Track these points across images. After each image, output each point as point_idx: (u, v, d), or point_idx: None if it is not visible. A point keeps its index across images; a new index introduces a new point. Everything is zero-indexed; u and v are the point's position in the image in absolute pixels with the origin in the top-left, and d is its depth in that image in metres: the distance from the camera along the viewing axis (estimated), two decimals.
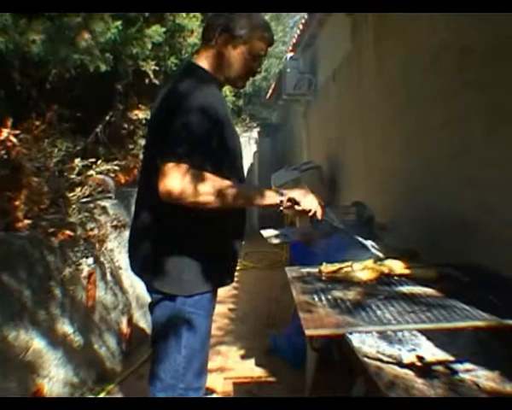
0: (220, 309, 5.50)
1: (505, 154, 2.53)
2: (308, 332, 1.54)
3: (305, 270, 2.38)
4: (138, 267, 2.18)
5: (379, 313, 1.72)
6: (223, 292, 6.03)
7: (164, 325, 2.07)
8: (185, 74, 2.11)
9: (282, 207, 2.06)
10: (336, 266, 2.29)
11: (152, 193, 1.92)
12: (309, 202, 2.09)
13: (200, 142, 1.88)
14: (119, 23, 3.78)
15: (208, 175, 1.88)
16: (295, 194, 2.07)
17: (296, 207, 2.07)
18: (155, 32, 4.56)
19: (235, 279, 6.73)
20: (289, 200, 2.05)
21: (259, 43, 2.13)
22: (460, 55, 2.99)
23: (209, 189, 1.87)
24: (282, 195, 2.04)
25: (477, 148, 2.81)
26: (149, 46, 4.58)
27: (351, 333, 1.57)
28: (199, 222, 2.00)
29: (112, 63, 3.96)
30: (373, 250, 2.40)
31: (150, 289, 2.14)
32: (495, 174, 2.62)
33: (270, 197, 2.03)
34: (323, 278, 2.20)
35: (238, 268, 7.52)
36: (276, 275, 6.42)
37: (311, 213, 2.12)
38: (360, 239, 2.43)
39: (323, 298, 1.90)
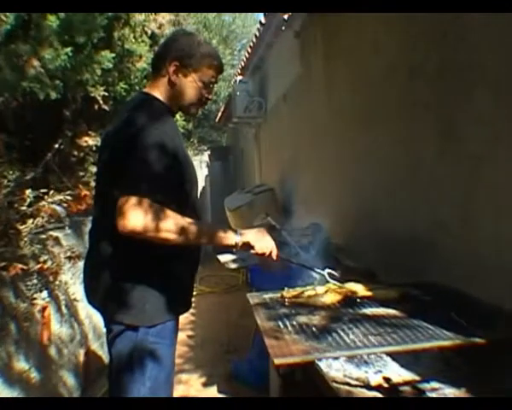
0: (179, 336, 5.36)
1: (456, 171, 2.60)
2: (277, 361, 1.53)
3: (267, 295, 2.38)
4: (98, 300, 2.12)
5: (345, 336, 1.73)
6: (181, 319, 5.98)
7: (127, 356, 2.01)
8: (141, 105, 2.09)
9: (239, 247, 2.06)
10: (298, 290, 2.30)
11: (109, 224, 1.90)
12: (264, 244, 2.11)
13: (160, 177, 1.88)
14: (68, 49, 3.72)
15: (170, 212, 1.86)
16: (250, 237, 2.07)
17: (252, 250, 2.09)
18: (104, 57, 4.51)
19: (192, 305, 6.68)
20: (244, 244, 2.06)
21: (209, 70, 2.17)
22: (409, 77, 3.07)
23: (171, 226, 1.86)
24: (239, 235, 2.05)
25: (429, 166, 2.88)
26: (99, 72, 4.52)
27: (319, 360, 1.55)
28: (158, 252, 1.97)
29: (62, 90, 3.89)
30: (330, 279, 2.42)
31: (110, 321, 2.08)
32: (447, 192, 2.69)
33: (228, 238, 2.03)
34: (286, 303, 2.20)
35: (195, 294, 7.50)
36: (234, 299, 6.40)
37: (265, 256, 2.13)
38: (316, 270, 2.44)
39: (288, 324, 1.90)
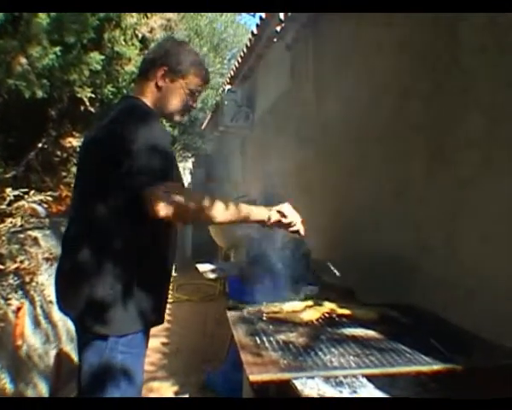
0: (153, 343, 5.36)
1: (443, 194, 2.61)
2: (252, 378, 1.51)
3: (246, 310, 2.35)
4: (68, 306, 2.09)
5: (322, 356, 1.72)
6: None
7: (96, 365, 1.98)
8: (132, 109, 2.09)
9: (271, 221, 2.09)
10: (277, 306, 2.29)
11: (85, 228, 1.98)
12: (295, 216, 2.16)
13: (168, 171, 1.93)
14: (57, 49, 3.69)
15: (191, 190, 1.93)
16: (284, 208, 2.13)
17: (283, 219, 2.11)
18: (93, 58, 4.48)
19: (168, 312, 6.58)
20: (278, 212, 2.10)
21: (196, 79, 2.21)
22: (401, 97, 3.08)
23: (201, 198, 1.93)
24: (270, 210, 2.10)
25: (416, 188, 2.89)
26: (87, 73, 4.49)
27: (296, 378, 1.54)
28: (130, 260, 1.98)
29: (48, 89, 3.85)
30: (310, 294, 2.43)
31: (80, 328, 2.06)
32: (433, 214, 2.70)
33: (260, 212, 2.09)
34: (265, 318, 2.19)
35: (171, 301, 7.46)
36: (211, 308, 6.37)
37: (295, 228, 2.17)
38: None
39: (266, 340, 1.89)
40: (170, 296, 7.68)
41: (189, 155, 13.65)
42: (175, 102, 2.19)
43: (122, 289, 1.97)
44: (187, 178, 12.10)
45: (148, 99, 2.16)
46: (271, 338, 1.90)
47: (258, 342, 1.86)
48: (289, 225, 2.15)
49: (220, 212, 1.96)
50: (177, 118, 2.28)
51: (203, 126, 13.13)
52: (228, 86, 8.70)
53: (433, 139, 2.74)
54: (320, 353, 1.75)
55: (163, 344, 5.41)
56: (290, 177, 5.84)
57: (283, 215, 2.10)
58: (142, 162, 1.88)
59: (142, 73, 2.22)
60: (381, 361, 1.68)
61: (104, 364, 1.96)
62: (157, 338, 5.54)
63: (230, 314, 2.27)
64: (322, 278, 3.40)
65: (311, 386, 1.83)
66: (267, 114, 7.14)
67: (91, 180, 2.04)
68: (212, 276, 4.28)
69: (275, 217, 2.09)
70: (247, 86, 8.56)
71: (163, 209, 1.82)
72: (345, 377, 1.67)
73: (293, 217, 2.14)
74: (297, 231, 2.20)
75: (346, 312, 2.25)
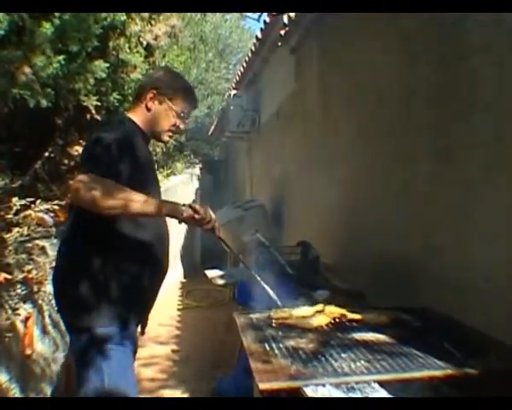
0: (163, 351, 5.35)
1: (451, 194, 2.57)
2: (262, 386, 1.48)
3: (255, 315, 2.33)
4: (58, 306, 2.24)
5: (333, 362, 1.69)
6: (165, 332, 5.93)
7: (83, 359, 2.07)
8: (111, 121, 2.44)
9: (183, 216, 2.10)
10: (286, 311, 2.25)
11: (69, 232, 2.20)
12: (208, 214, 2.17)
13: (104, 162, 2.02)
14: (61, 57, 3.69)
15: (112, 181, 1.97)
16: (196, 205, 2.16)
17: (196, 216, 2.12)
18: (98, 67, 4.47)
19: (178, 319, 6.57)
20: (190, 207, 2.12)
21: (183, 102, 2.37)
22: (406, 97, 3.05)
23: (117, 191, 1.96)
24: (183, 205, 2.14)
25: (424, 188, 2.85)
26: (92, 81, 4.49)
27: (306, 386, 1.50)
28: (116, 256, 2.12)
29: (53, 99, 3.85)
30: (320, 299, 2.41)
31: (66, 324, 2.22)
32: (441, 215, 2.66)
33: (174, 207, 2.11)
34: (274, 324, 2.16)
35: (181, 307, 7.44)
36: (220, 314, 6.32)
37: (209, 226, 2.19)
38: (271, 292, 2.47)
39: (275, 347, 1.86)
40: (179, 303, 7.71)
41: (197, 160, 13.63)
42: (163, 123, 2.34)
43: (106, 284, 2.09)
44: (194, 185, 12.04)
45: (139, 119, 2.33)
46: (281, 345, 1.88)
47: (268, 348, 1.83)
48: (202, 221, 2.15)
49: (135, 204, 1.99)
50: (165, 138, 2.42)
51: (210, 132, 13.12)
52: (233, 91, 8.70)
53: (439, 139, 2.71)
54: (330, 359, 1.72)
55: (173, 351, 5.37)
56: (296, 181, 5.82)
57: (196, 211, 2.11)
58: (85, 160, 2.09)
59: (135, 97, 2.40)
60: (393, 366, 1.65)
61: (90, 357, 2.05)
62: (167, 345, 5.54)
63: (239, 320, 2.24)
64: (331, 281, 3.37)
65: (322, 393, 1.80)
66: (273, 117, 7.11)
67: None
68: (220, 282, 4.26)
69: (187, 212, 2.10)
70: (253, 91, 8.54)
71: (76, 195, 1.94)
72: (356, 383, 1.64)
73: (206, 214, 2.15)
74: (212, 230, 2.22)
75: (356, 316, 2.22)
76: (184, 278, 10.16)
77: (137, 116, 2.33)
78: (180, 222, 2.13)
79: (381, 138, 3.43)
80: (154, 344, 5.52)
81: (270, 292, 2.51)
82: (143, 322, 2.34)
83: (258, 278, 2.61)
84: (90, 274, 2.07)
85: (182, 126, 2.41)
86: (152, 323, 2.43)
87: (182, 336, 5.99)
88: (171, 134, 2.43)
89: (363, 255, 3.68)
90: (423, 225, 2.86)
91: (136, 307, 2.22)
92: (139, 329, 2.33)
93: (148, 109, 2.31)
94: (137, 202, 1.99)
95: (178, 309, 7.45)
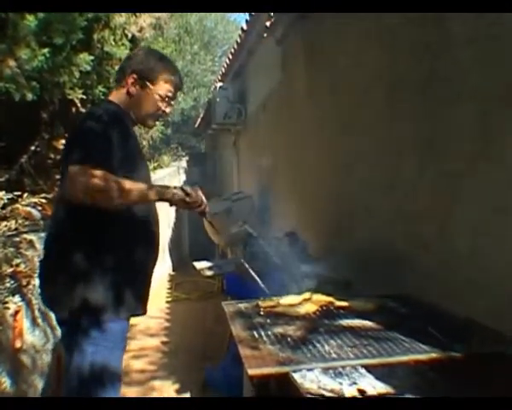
0: (152, 343, 5.37)
1: (435, 186, 2.60)
2: (251, 372, 1.51)
3: (243, 304, 2.36)
4: (47, 298, 2.16)
5: (320, 348, 1.72)
6: (155, 325, 5.96)
7: (72, 350, 2.02)
8: (95, 106, 2.25)
9: (175, 199, 2.10)
10: (274, 300, 2.28)
11: (57, 222, 2.12)
12: (199, 197, 2.17)
13: (98, 150, 1.97)
14: (46, 50, 3.67)
15: (104, 172, 1.91)
16: (187, 187, 2.14)
17: (187, 198, 2.11)
18: (83, 59, 4.46)
19: (167, 311, 6.58)
20: (182, 189, 2.11)
21: (166, 85, 2.28)
22: (391, 88, 3.07)
23: (111, 182, 1.92)
24: (174, 188, 2.12)
25: (408, 180, 2.88)
26: (77, 74, 4.47)
27: (294, 371, 1.53)
28: (107, 247, 2.06)
29: (38, 92, 3.83)
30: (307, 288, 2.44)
31: (59, 319, 2.14)
32: (426, 206, 2.69)
33: (166, 191, 2.09)
34: (262, 312, 2.18)
35: (170, 300, 7.46)
36: (209, 306, 6.35)
37: (200, 209, 2.18)
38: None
39: (264, 334, 1.88)
40: (168, 295, 7.73)
41: (183, 153, 13.63)
42: (146, 108, 2.27)
43: (98, 276, 2.02)
44: (181, 178, 12.03)
45: (122, 104, 2.25)
46: (269, 332, 1.90)
47: (256, 336, 1.86)
48: (193, 204, 2.15)
49: (132, 194, 1.99)
50: (149, 122, 2.37)
51: (196, 125, 13.10)
52: (219, 83, 8.68)
53: (424, 131, 2.73)
54: (318, 345, 1.75)
55: (163, 343, 5.39)
56: (283, 172, 5.84)
57: (187, 194, 2.11)
58: (75, 151, 1.97)
59: (117, 81, 2.33)
60: (379, 351, 1.68)
61: (75, 347, 2.01)
62: (157, 337, 5.55)
63: (228, 309, 2.27)
64: (318, 271, 3.39)
65: (310, 378, 1.82)
66: (259, 109, 7.12)
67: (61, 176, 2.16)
68: (209, 273, 4.29)
69: (179, 195, 2.10)
70: (239, 83, 8.53)
71: (73, 189, 1.88)
72: (343, 367, 1.67)
73: (197, 197, 2.15)
74: (202, 213, 2.22)
75: (343, 304, 2.25)
76: (173, 270, 10.17)
77: (120, 101, 2.26)
78: (171, 205, 2.12)
79: (367, 128, 3.44)
80: (143, 336, 5.54)
81: (259, 281, 2.54)
82: (143, 306, 2.25)
83: (247, 267, 2.62)
84: (81, 265, 2.01)
85: (167, 110, 2.34)
86: (141, 317, 2.34)
87: (171, 329, 6.00)
88: (156, 118, 2.37)
89: (350, 245, 3.71)
90: (408, 215, 2.89)
91: (138, 301, 2.17)
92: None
93: (131, 95, 2.24)
94: (134, 190, 1.98)
95: (167, 302, 7.46)
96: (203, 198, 2.18)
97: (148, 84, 2.23)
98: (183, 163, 12.47)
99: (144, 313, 2.24)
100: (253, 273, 2.58)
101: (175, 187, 2.12)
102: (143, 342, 5.36)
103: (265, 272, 3.28)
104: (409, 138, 2.89)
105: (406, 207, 2.91)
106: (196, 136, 15.69)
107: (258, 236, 3.90)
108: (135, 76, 2.22)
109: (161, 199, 2.08)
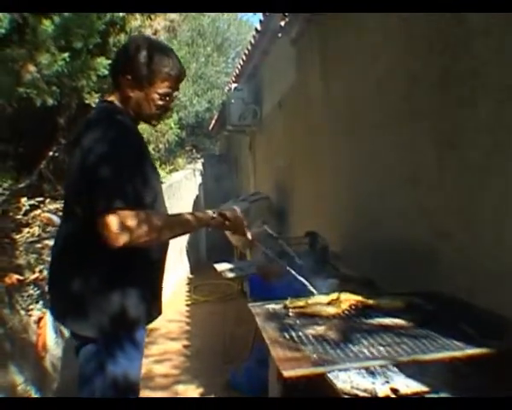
0: (174, 346, 5.38)
1: (457, 180, 2.58)
2: (286, 373, 1.49)
3: (270, 306, 2.34)
4: (58, 312, 2.10)
5: (353, 347, 1.71)
6: (175, 328, 5.97)
7: (89, 372, 1.96)
8: (100, 116, 2.06)
9: (213, 224, 2.10)
10: (302, 300, 2.26)
11: (70, 234, 1.99)
12: (239, 220, 2.16)
13: (125, 182, 1.85)
14: (66, 55, 3.69)
15: (145, 213, 1.85)
16: (226, 212, 2.13)
17: (226, 223, 2.11)
18: (100, 64, 4.47)
19: (187, 314, 6.57)
20: (220, 214, 2.09)
21: (165, 82, 2.08)
22: (409, 83, 3.05)
23: (157, 224, 1.87)
24: (213, 213, 2.10)
25: (430, 174, 2.85)
26: (94, 78, 4.49)
27: (329, 372, 1.52)
28: (116, 259, 1.91)
29: (59, 97, 3.85)
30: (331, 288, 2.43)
31: (71, 333, 2.06)
32: (448, 200, 2.67)
33: (204, 216, 2.08)
34: (290, 313, 2.17)
35: (189, 303, 7.46)
36: (229, 308, 6.33)
37: (240, 231, 2.20)
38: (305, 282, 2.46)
39: (294, 335, 1.87)
40: (187, 298, 7.74)
41: (198, 156, 13.66)
42: (146, 109, 2.10)
43: (110, 288, 1.94)
44: (197, 180, 12.05)
45: (123, 105, 2.09)
46: (300, 333, 1.89)
47: (288, 337, 1.85)
48: (232, 228, 2.15)
49: (174, 230, 1.97)
50: (153, 121, 2.23)
51: (210, 127, 13.13)
52: (234, 85, 8.68)
53: (443, 125, 2.70)
54: (350, 344, 1.73)
55: (184, 347, 5.40)
56: (301, 171, 5.82)
57: (226, 218, 2.10)
58: (104, 180, 1.83)
59: (112, 80, 2.15)
60: (413, 349, 1.66)
61: (97, 369, 1.94)
62: (178, 341, 5.56)
63: (255, 311, 2.25)
64: (341, 270, 3.38)
65: (343, 379, 1.82)
66: (275, 109, 7.11)
67: (72, 189, 2.04)
68: (230, 275, 4.27)
69: (218, 220, 2.08)
70: (254, 83, 8.53)
71: (116, 239, 1.77)
72: (378, 367, 1.66)
73: (236, 220, 2.14)
74: (243, 234, 2.22)
75: (371, 302, 2.23)
76: (191, 273, 10.17)
77: (120, 102, 2.09)
78: (209, 229, 2.12)
79: (386, 126, 3.42)
80: (165, 340, 5.56)
81: (306, 282, 2.49)
82: (158, 308, 2.19)
83: (291, 271, 2.57)
84: (106, 281, 1.94)
85: (171, 105, 2.20)
86: (161, 319, 2.36)
87: (192, 332, 6.02)
88: (159, 116, 2.20)
89: (371, 242, 3.69)
90: (431, 210, 2.86)
91: (153, 305, 2.12)
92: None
93: (129, 98, 2.06)
94: (176, 226, 1.96)
95: (187, 305, 7.47)
96: (242, 219, 2.17)
97: (144, 85, 2.04)
98: (199, 165, 12.49)
99: (160, 313, 2.20)
100: (297, 276, 2.53)
101: (214, 211, 2.09)
102: (165, 346, 5.37)
103: (288, 272, 3.27)
104: (429, 132, 2.86)
105: (428, 201, 2.89)
106: (210, 138, 15.74)
107: (278, 236, 3.88)
108: (129, 78, 2.03)
109: (201, 226, 2.08)
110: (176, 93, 2.20)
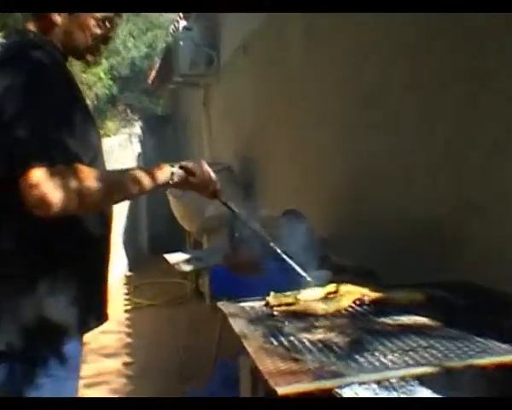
0: (111, 365, 5.33)
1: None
2: (281, 391, 1.42)
3: (247, 304, 2.28)
4: None
5: (366, 354, 1.65)
6: (112, 342, 5.89)
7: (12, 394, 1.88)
8: (6, 52, 1.97)
9: (175, 181, 2.02)
10: (289, 295, 2.21)
11: None
12: (207, 174, 2.11)
13: (50, 137, 1.74)
14: None
15: (78, 168, 1.75)
16: (189, 164, 2.07)
17: (191, 178, 2.06)
18: None
19: (126, 323, 6.51)
20: (182, 168, 2.03)
21: None
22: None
23: (97, 183, 1.77)
24: (172, 166, 2.02)
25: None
26: None
27: (340, 387, 1.46)
28: (34, 240, 1.85)
29: None
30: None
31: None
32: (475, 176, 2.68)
33: (161, 172, 1.98)
34: (275, 312, 2.12)
35: (129, 308, 7.40)
36: (181, 313, 6.29)
37: (209, 190, 2.15)
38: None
39: (284, 340, 1.81)
40: (127, 303, 7.67)
41: (135, 117, 13.48)
42: (81, 39, 2.02)
43: (37, 293, 1.85)
44: (134, 149, 11.91)
45: (50, 36, 1.99)
46: (291, 338, 1.83)
47: (276, 343, 1.78)
48: (200, 185, 2.11)
49: (120, 191, 1.91)
50: (89, 57, 2.12)
51: (150, 79, 12.92)
52: (182, 23, 8.52)
53: (466, 98, 2.75)
54: (361, 350, 1.68)
55: (125, 365, 5.36)
56: (275, 134, 5.77)
57: (191, 173, 2.05)
58: (12, 142, 1.73)
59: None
60: (446, 354, 1.62)
61: (22, 391, 1.86)
62: (116, 358, 5.51)
63: (228, 311, 2.19)
64: (331, 258, 3.35)
65: (349, 395, 1.76)
66: (238, 55, 7.01)
67: None
68: (187, 268, 4.22)
69: (180, 175, 2.02)
70: (208, 21, 8.40)
71: (42, 206, 1.67)
72: (400, 379, 1.61)
73: (204, 175, 2.09)
74: (213, 194, 2.18)
75: (381, 296, 2.20)
76: (130, 270, 10.12)
77: (42, 32, 1.98)
78: (168, 187, 2.08)
79: (391, 63, 3.40)
80: (98, 357, 5.51)
81: (295, 265, 2.43)
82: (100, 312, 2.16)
83: (278, 250, 2.50)
84: (31, 285, 1.85)
85: (111, 33, 2.10)
86: (92, 332, 2.22)
87: (134, 345, 6.00)
88: (96, 50, 2.11)
89: (370, 223, 3.67)
90: (452, 178, 2.86)
91: (92, 309, 2.08)
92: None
93: (54, 24, 1.96)
94: (130, 185, 1.88)
95: (126, 311, 7.44)
96: (212, 175, 2.12)
97: None
98: (136, 129, 12.34)
99: (105, 319, 2.18)
100: (288, 259, 2.47)
101: (172, 165, 2.01)
102: (99, 365, 5.32)
103: (264, 261, 3.23)
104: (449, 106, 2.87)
105: (446, 166, 2.89)
106: (150, 95, 15.50)
107: (246, 216, 3.82)
108: None
109: (157, 185, 1.96)
110: (118, 18, 2.12)
